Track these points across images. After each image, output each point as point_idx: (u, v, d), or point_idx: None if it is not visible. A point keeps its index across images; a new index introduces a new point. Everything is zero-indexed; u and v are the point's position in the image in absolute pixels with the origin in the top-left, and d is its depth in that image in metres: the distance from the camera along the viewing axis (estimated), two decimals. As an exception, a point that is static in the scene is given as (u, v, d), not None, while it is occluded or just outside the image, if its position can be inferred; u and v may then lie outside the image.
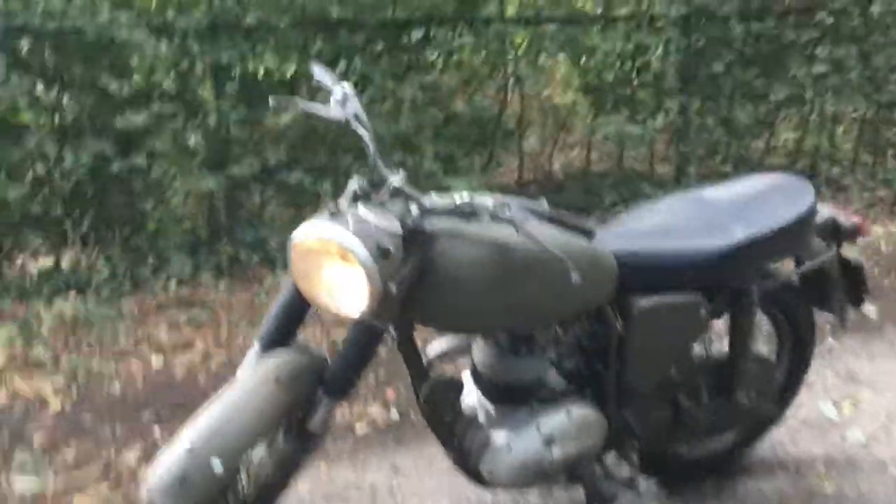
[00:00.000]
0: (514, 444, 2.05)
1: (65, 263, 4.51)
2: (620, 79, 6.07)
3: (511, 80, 5.82)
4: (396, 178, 1.84)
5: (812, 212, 2.33)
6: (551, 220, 1.85)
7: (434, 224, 1.80)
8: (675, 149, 6.10)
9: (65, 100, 4.46)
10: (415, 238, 1.77)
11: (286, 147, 4.84)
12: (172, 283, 4.28)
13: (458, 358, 2.21)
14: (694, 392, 2.36)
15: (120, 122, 4.31)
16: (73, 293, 4.11)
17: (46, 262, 4.54)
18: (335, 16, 4.87)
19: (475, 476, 2.10)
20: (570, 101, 5.99)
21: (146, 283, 4.35)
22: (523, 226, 1.78)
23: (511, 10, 5.80)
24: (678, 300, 2.17)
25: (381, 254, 1.67)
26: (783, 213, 2.28)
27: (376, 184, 1.82)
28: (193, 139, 4.64)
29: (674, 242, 2.19)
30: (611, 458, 2.31)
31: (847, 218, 2.50)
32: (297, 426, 1.86)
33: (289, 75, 5.08)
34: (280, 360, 1.83)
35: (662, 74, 6.09)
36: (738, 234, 2.20)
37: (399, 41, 5.25)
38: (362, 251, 1.65)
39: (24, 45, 4.32)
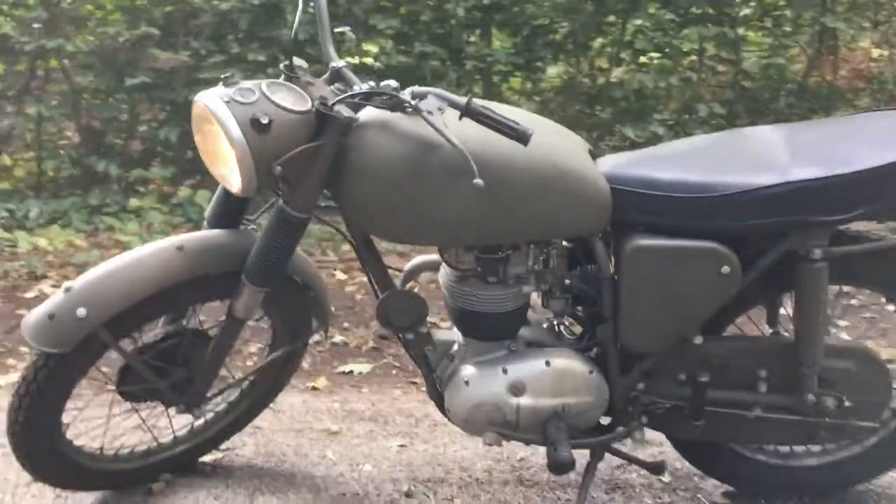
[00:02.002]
0: (474, 381, 1.84)
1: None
2: None
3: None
4: (339, 62, 1.74)
5: None
6: (478, 117, 1.58)
7: (353, 111, 1.66)
8: None
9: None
10: (329, 122, 1.65)
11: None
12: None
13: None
14: (742, 379, 1.87)
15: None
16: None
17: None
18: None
19: (442, 409, 1.92)
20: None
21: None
22: (430, 118, 1.57)
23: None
24: (688, 246, 1.73)
25: (256, 126, 1.57)
26: (872, 156, 1.68)
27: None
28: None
29: (695, 175, 1.73)
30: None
31: None
32: (228, 311, 1.86)
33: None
34: (199, 233, 1.83)
35: None
36: (788, 174, 1.68)
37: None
38: (228, 118, 1.56)
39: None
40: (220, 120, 1.57)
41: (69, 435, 1.90)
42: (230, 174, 1.64)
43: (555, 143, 1.72)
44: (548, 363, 1.83)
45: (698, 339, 1.83)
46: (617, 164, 1.80)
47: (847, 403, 1.87)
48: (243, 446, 2.28)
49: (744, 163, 1.74)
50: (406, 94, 1.61)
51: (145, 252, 1.76)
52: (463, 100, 1.57)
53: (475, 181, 1.53)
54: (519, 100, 5.19)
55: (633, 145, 4.47)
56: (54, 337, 1.67)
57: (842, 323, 2.78)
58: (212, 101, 1.59)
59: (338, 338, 3.08)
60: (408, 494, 2.07)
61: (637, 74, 4.80)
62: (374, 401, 2.62)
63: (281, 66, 1.71)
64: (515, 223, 1.70)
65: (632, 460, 2.05)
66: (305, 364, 2.94)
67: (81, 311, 1.65)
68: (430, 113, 1.58)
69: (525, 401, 1.83)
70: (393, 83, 1.65)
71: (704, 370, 1.84)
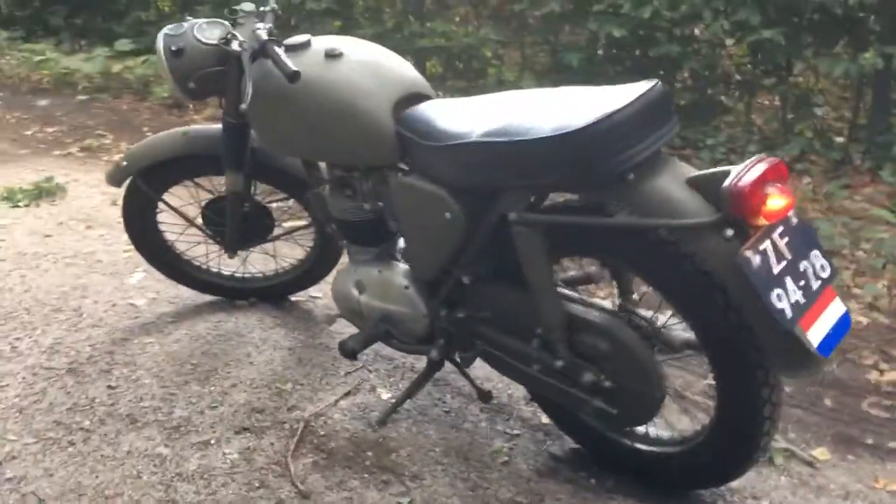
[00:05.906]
0: (340, 274, 2.30)
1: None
2: None
3: None
4: (268, 6, 2.27)
5: (610, 130, 1.53)
6: (266, 56, 1.97)
7: (244, 46, 2.17)
8: None
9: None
10: (228, 52, 2.20)
11: None
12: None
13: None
14: (520, 332, 1.90)
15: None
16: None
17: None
18: None
19: None
20: None
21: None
22: (244, 56, 2.06)
23: None
24: (422, 188, 1.87)
25: (172, 53, 2.21)
26: (550, 124, 1.60)
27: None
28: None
29: (446, 125, 1.82)
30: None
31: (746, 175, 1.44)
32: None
33: None
34: (203, 125, 2.57)
35: None
36: (476, 135, 1.71)
37: None
38: (159, 46, 2.24)
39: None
40: (156, 48, 2.29)
41: (180, 250, 2.87)
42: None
43: (353, 82, 1.97)
44: (379, 271, 2.16)
45: (466, 279, 1.94)
46: (420, 109, 1.95)
47: (607, 384, 1.79)
48: (323, 297, 2.98)
49: (490, 118, 1.76)
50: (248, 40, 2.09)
51: (164, 133, 2.58)
52: (261, 40, 2.00)
53: (241, 105, 1.99)
54: None
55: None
56: (111, 177, 2.63)
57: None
58: (161, 33, 2.31)
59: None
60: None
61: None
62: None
63: (225, 10, 2.31)
64: (320, 146, 2.06)
65: (466, 378, 2.20)
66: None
67: (123, 163, 2.59)
68: (245, 51, 2.06)
69: (364, 298, 2.20)
70: (260, 26, 2.12)
71: (471, 309, 1.96)
